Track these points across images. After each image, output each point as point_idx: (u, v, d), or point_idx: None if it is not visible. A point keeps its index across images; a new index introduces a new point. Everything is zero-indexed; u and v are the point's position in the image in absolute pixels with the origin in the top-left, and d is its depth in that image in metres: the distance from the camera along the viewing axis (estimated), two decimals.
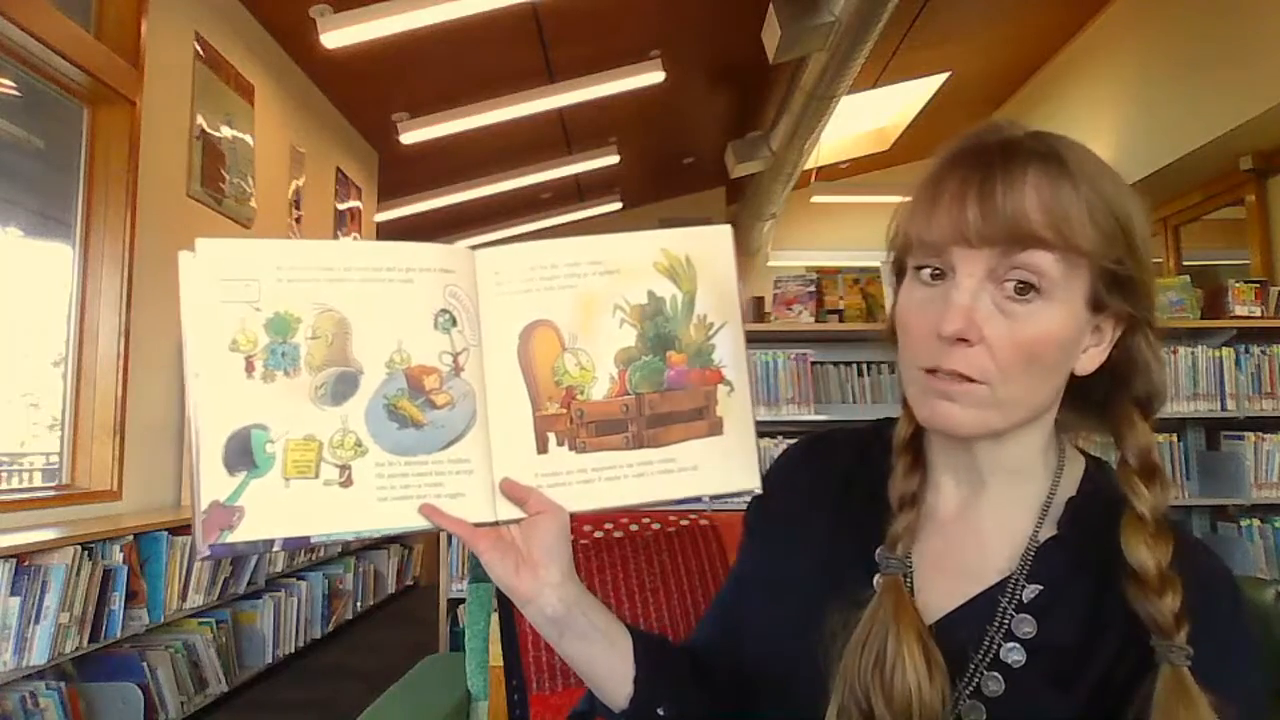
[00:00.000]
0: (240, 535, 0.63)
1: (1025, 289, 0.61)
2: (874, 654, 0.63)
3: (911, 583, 0.68)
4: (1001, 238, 0.60)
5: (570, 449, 0.70)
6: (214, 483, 0.62)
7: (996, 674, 0.63)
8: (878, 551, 0.69)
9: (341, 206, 5.67)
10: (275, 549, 0.65)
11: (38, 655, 2.41)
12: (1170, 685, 0.58)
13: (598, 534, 1.20)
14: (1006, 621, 0.65)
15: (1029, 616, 0.64)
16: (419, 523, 0.66)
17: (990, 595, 0.66)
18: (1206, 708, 0.56)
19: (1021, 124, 0.66)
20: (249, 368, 0.64)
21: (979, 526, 0.69)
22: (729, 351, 0.74)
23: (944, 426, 0.64)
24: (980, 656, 0.64)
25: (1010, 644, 0.64)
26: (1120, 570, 0.62)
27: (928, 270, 0.64)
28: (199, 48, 3.89)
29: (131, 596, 2.84)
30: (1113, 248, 0.62)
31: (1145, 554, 0.60)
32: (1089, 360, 0.65)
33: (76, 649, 2.55)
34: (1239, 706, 0.58)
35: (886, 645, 0.62)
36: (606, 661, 0.71)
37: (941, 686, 0.61)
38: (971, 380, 0.62)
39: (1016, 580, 0.66)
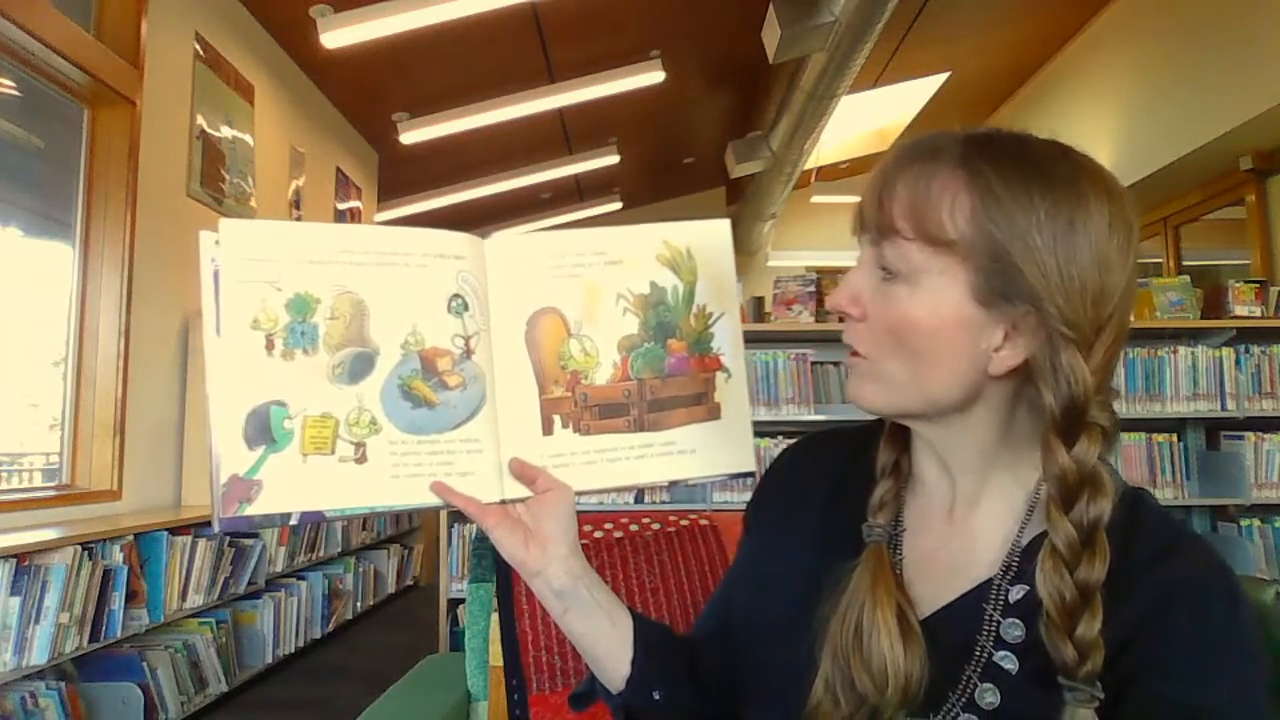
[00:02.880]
0: (258, 508, 0.64)
1: (891, 274, 0.65)
2: (854, 623, 0.64)
3: (901, 575, 0.69)
4: (873, 226, 0.66)
5: (574, 431, 0.73)
6: (233, 456, 0.64)
7: (991, 685, 0.63)
8: (864, 526, 0.70)
9: (341, 206, 5.67)
10: (291, 522, 0.66)
11: (38, 655, 2.40)
12: None
13: (598, 534, 1.21)
14: (994, 627, 0.64)
15: (1017, 619, 0.64)
16: (430, 500, 0.68)
17: (976, 595, 0.66)
18: None
19: (972, 129, 0.67)
20: (269, 346, 0.66)
21: (967, 526, 0.69)
22: (727, 340, 0.77)
23: (849, 398, 0.70)
24: (973, 666, 0.64)
25: (1002, 652, 0.64)
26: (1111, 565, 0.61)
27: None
28: (199, 48, 3.89)
29: (131, 596, 2.84)
30: (990, 243, 0.62)
31: (1051, 586, 0.60)
32: (1000, 362, 0.63)
33: (76, 649, 2.55)
34: (1229, 713, 0.58)
35: (863, 614, 0.64)
36: (607, 640, 0.73)
37: (919, 655, 0.62)
38: (857, 354, 0.68)
39: (1000, 583, 0.66)
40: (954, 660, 0.64)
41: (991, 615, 0.65)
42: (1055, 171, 0.63)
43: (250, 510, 0.64)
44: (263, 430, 0.65)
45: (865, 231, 0.67)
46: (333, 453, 0.66)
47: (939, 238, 0.63)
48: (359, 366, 0.67)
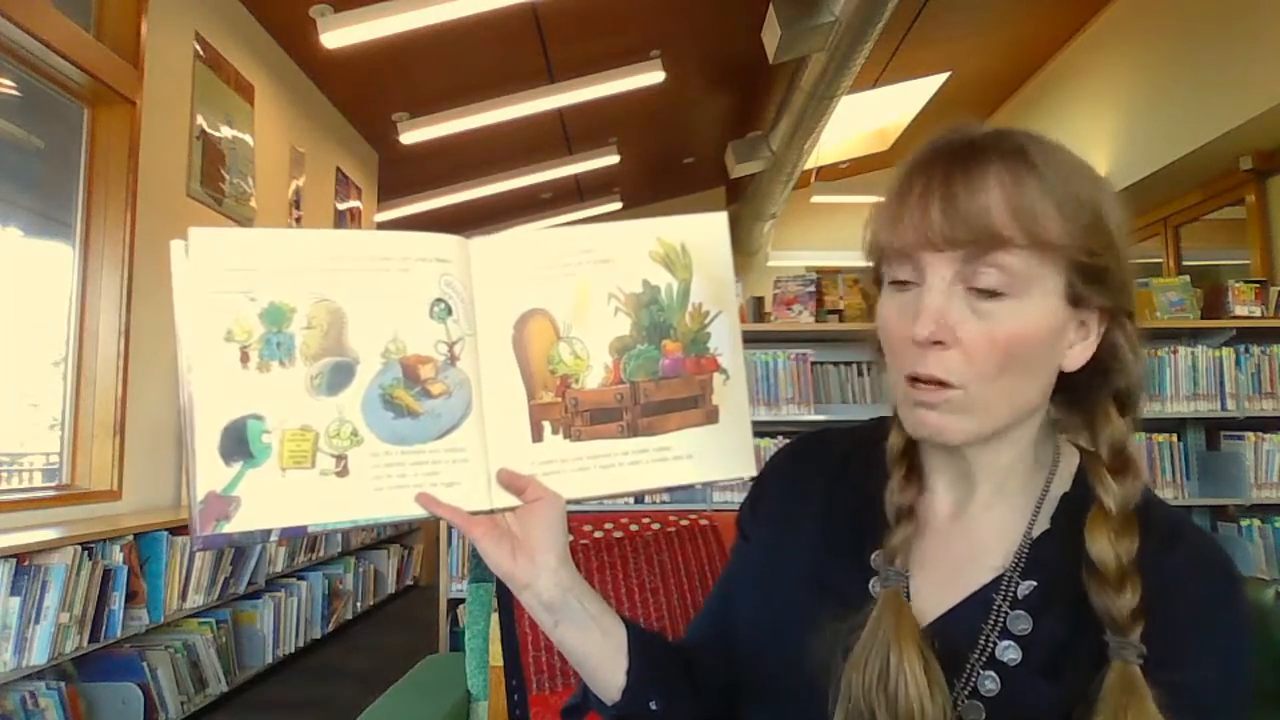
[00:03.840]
0: (237, 525, 0.62)
1: (992, 289, 0.61)
2: (876, 669, 0.63)
3: (908, 586, 0.68)
4: (966, 239, 0.60)
5: (565, 437, 0.70)
6: (210, 473, 0.62)
7: (992, 673, 0.64)
8: (874, 556, 0.69)
9: (341, 206, 5.67)
10: (272, 539, 0.64)
11: (38, 655, 2.40)
12: (1120, 682, 0.58)
13: (598, 534, 1.20)
14: (1002, 619, 0.65)
15: (1024, 613, 0.64)
16: (415, 511, 0.66)
17: (985, 593, 0.66)
18: (1153, 706, 0.57)
19: (984, 125, 0.66)
20: (244, 358, 0.64)
21: (974, 526, 0.69)
22: (725, 340, 0.73)
23: (929, 436, 0.64)
24: (977, 655, 0.64)
25: (1005, 642, 0.64)
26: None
27: (899, 278, 0.65)
28: (199, 48, 3.89)
29: (131, 596, 2.84)
30: (1085, 239, 0.62)
31: (1106, 547, 0.61)
32: (1076, 356, 0.65)
33: (76, 649, 2.55)
34: (1215, 687, 0.60)
35: (889, 661, 0.62)
36: (601, 651, 0.72)
37: (943, 700, 0.62)
38: (947, 385, 0.62)
39: (1010, 577, 0.66)
40: (961, 653, 0.65)
41: (1000, 607, 0.65)
42: (1078, 157, 0.64)
43: (229, 528, 0.62)
44: (240, 445, 0.63)
45: (946, 248, 0.61)
46: (313, 466, 0.64)
47: (1048, 241, 0.60)
48: (338, 377, 0.65)
